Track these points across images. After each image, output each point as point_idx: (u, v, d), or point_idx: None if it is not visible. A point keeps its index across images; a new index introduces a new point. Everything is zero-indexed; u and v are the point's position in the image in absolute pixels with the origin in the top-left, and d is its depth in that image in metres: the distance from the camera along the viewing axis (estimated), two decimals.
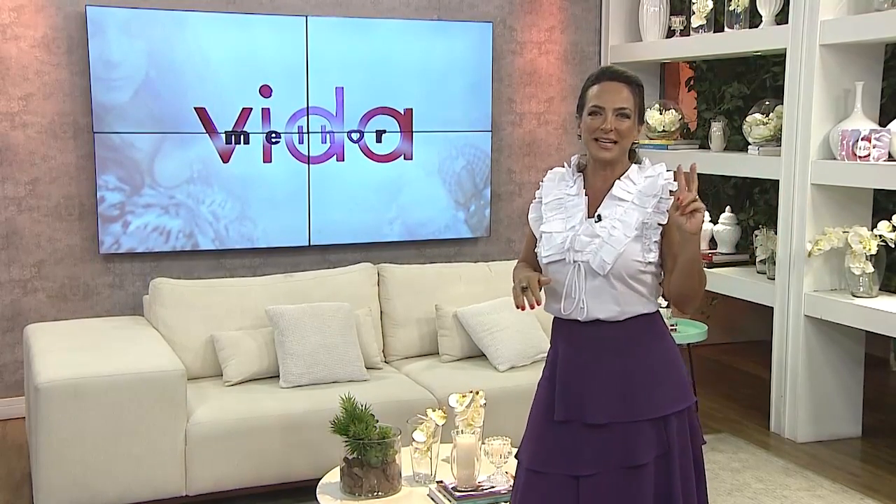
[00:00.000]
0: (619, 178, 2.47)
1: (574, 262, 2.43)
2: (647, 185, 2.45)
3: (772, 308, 4.79)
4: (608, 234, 2.41)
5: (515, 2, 5.70)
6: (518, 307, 2.43)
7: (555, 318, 2.54)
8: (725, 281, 5.14)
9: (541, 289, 2.42)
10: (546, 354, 2.64)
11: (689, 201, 2.25)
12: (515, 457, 2.61)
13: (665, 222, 2.42)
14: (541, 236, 2.53)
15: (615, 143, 2.43)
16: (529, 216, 2.61)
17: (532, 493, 2.48)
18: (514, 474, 3.16)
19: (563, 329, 2.51)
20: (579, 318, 2.44)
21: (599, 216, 2.45)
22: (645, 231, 2.42)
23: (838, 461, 4.42)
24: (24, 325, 4.58)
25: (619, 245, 2.40)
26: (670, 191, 2.38)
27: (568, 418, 2.44)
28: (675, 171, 2.34)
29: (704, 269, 2.45)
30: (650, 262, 2.43)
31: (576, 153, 2.65)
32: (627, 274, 2.41)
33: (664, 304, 2.53)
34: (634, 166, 2.50)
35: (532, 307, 2.41)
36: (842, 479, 4.18)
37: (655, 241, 2.43)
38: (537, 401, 2.56)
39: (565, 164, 2.60)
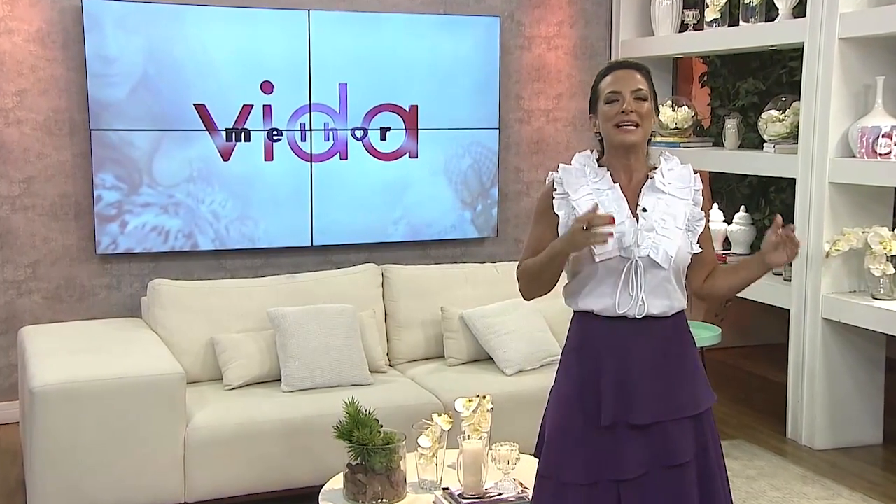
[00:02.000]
0: (653, 170, 2.47)
1: (638, 257, 2.38)
2: (676, 176, 2.47)
3: (788, 310, 4.74)
4: (662, 227, 2.40)
5: None
6: (599, 241, 2.25)
7: (583, 315, 2.44)
8: None
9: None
10: (558, 357, 2.55)
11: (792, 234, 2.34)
12: (542, 475, 2.47)
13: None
14: None
15: (637, 125, 2.40)
16: (558, 212, 2.46)
17: None
18: (524, 485, 3.06)
19: (603, 328, 2.41)
20: (635, 316, 2.38)
21: (644, 209, 2.42)
22: (691, 223, 2.45)
23: (858, 469, 4.36)
24: (19, 327, 4.54)
25: (675, 237, 2.40)
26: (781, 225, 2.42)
27: (614, 421, 2.38)
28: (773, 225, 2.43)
29: None
30: (695, 255, 2.47)
31: (584, 149, 2.58)
32: (682, 267, 2.44)
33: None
34: (660, 157, 2.51)
35: (609, 224, 2.24)
36: (861, 487, 4.12)
37: (699, 233, 2.47)
38: (565, 407, 2.45)
39: (573, 162, 2.51)
